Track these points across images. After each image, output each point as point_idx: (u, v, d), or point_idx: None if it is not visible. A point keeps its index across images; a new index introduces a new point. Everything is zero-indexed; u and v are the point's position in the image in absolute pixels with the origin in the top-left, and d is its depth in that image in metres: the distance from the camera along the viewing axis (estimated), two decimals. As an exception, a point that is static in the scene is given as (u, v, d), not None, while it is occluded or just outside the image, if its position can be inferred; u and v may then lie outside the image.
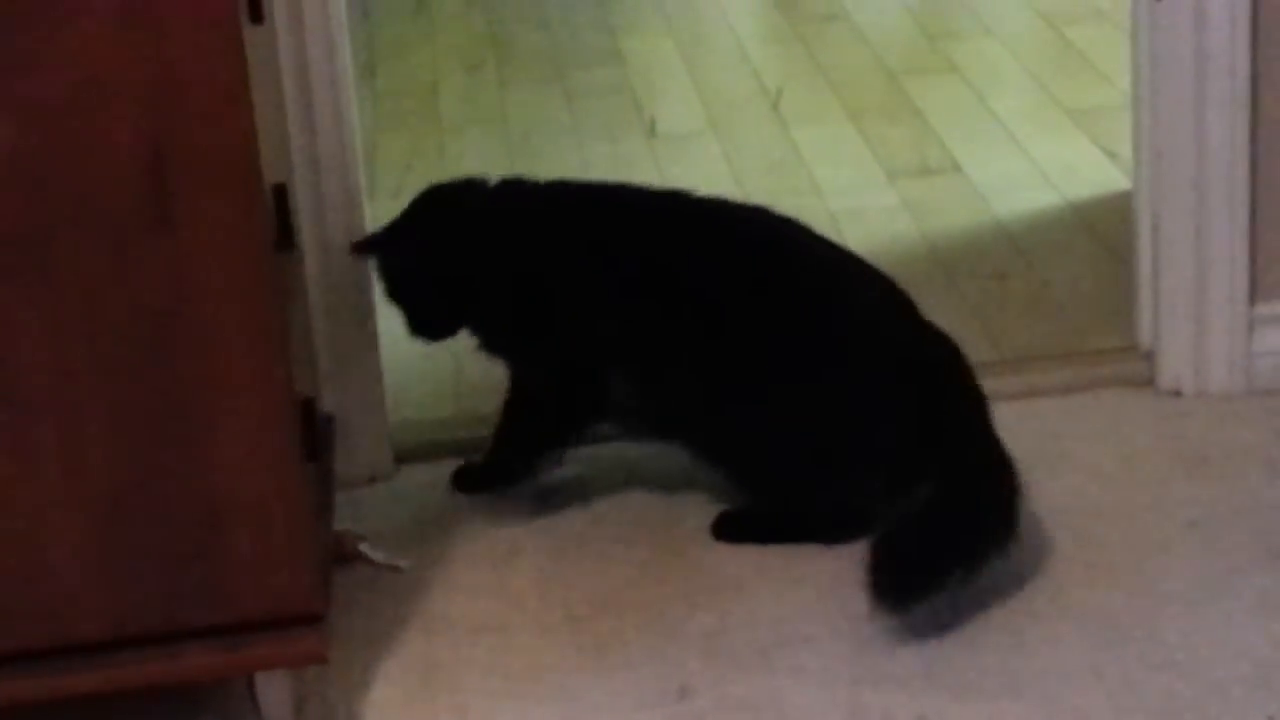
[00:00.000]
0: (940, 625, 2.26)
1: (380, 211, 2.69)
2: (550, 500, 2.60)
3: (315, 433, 2.36)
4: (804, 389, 2.41)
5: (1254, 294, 2.74)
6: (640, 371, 2.49)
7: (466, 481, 2.63)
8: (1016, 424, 2.68)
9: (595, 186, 2.61)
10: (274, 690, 2.13)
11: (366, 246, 2.55)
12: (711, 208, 2.54)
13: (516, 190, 2.57)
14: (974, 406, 2.43)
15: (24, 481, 2.01)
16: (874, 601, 2.24)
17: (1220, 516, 2.46)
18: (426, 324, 2.56)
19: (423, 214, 2.56)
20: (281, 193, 2.40)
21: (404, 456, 2.72)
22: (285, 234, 2.37)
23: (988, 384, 2.80)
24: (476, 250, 2.51)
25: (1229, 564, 2.36)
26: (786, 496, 2.47)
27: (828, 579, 2.38)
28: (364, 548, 2.46)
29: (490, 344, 2.57)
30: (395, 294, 2.55)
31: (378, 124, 4.01)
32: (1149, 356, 2.79)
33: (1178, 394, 2.76)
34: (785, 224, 2.52)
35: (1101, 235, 3.27)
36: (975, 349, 2.89)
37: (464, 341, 2.59)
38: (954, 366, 2.45)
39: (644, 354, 2.48)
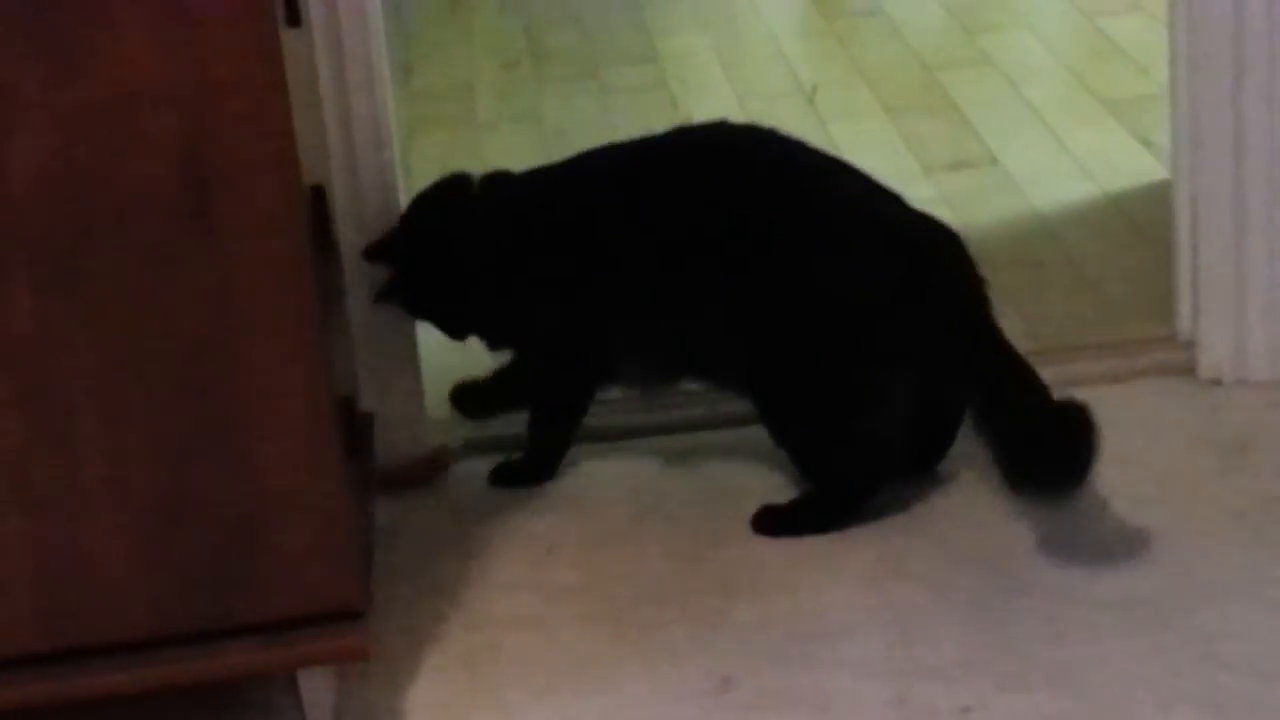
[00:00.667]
0: (982, 613, 2.26)
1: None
2: (588, 494, 2.60)
3: (355, 431, 2.37)
4: (808, 289, 2.41)
5: (1293, 282, 2.73)
6: (643, 320, 2.50)
7: (505, 477, 2.64)
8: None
9: (567, 162, 2.61)
10: (316, 687, 2.14)
11: (373, 253, 2.58)
12: (673, 142, 2.54)
13: (498, 181, 2.62)
14: (977, 293, 2.44)
15: (68, 482, 2.02)
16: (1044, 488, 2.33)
17: (1262, 505, 2.45)
18: (444, 320, 2.60)
19: (413, 215, 2.60)
20: (319, 194, 2.41)
21: (442, 454, 2.72)
22: (323, 235, 2.38)
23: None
24: (463, 241, 2.56)
25: (1272, 553, 2.35)
26: (809, 410, 2.45)
27: (869, 571, 2.37)
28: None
29: (494, 339, 2.61)
30: (409, 300, 2.59)
31: (414, 124, 4.02)
32: (1189, 345, 2.78)
33: (1218, 383, 2.75)
34: (753, 138, 2.53)
35: (1139, 225, 3.26)
36: (1014, 340, 2.89)
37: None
38: (954, 251, 2.46)
39: (643, 301, 2.49)
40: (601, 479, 2.63)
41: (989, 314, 2.45)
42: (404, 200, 2.66)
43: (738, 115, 3.97)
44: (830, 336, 2.42)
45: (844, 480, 2.48)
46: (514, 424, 2.70)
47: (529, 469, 2.63)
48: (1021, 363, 2.42)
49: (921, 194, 3.46)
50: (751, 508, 2.51)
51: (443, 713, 2.19)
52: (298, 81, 2.09)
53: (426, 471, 2.67)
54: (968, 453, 2.62)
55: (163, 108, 1.93)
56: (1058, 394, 2.72)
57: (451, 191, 2.62)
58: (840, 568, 2.39)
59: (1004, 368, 2.41)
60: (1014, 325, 2.92)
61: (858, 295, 2.41)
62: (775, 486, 2.56)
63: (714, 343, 2.47)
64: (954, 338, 2.41)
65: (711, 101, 4.09)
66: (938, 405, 2.50)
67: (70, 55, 1.91)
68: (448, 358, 2.79)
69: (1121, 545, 2.39)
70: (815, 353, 2.42)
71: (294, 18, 2.16)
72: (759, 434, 2.63)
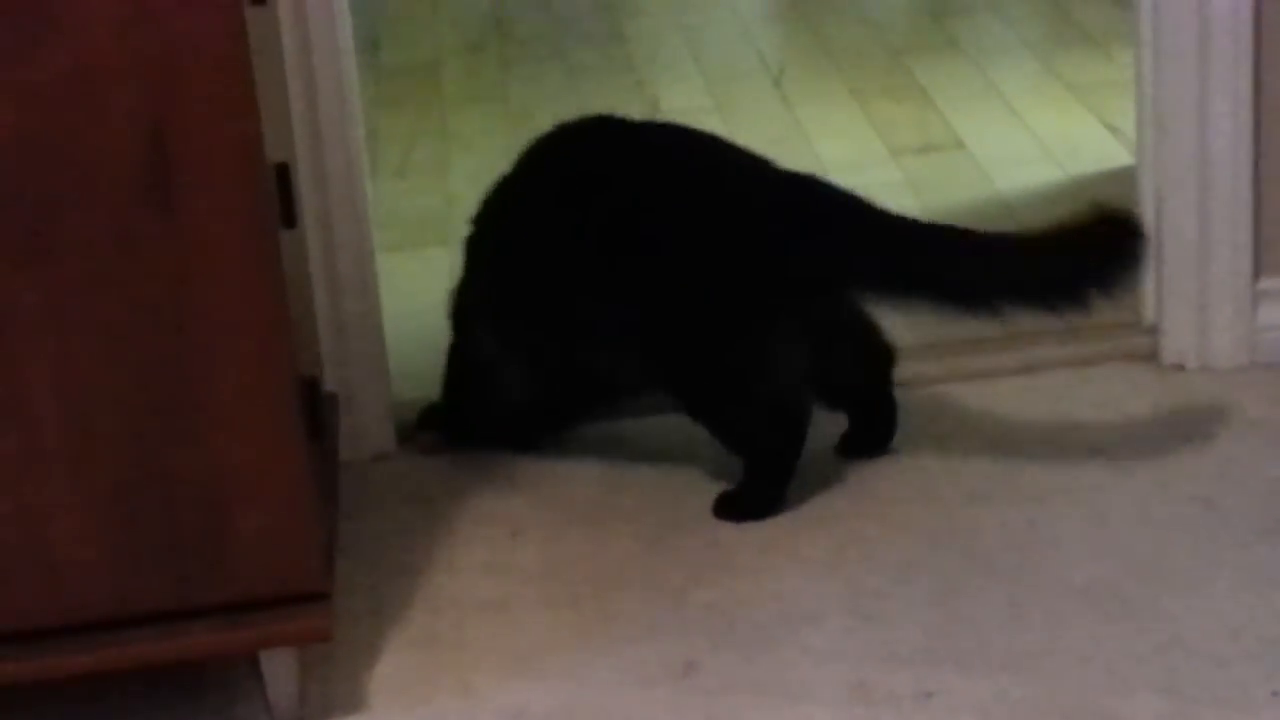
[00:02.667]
0: (944, 601, 2.27)
1: (382, 189, 2.70)
2: (554, 477, 2.60)
3: (318, 411, 2.36)
4: (675, 268, 2.43)
5: (1258, 268, 2.74)
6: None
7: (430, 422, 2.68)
8: (1019, 399, 2.70)
9: None
10: (279, 668, 2.13)
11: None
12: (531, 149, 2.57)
13: None
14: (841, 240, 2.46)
15: (27, 460, 2.01)
16: None
17: (1224, 491, 2.46)
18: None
19: None
20: (284, 171, 2.40)
21: (407, 435, 2.72)
22: (287, 212, 2.36)
23: (991, 359, 2.81)
24: None
25: (1233, 539, 2.36)
26: (708, 387, 2.48)
27: (832, 556, 2.38)
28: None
29: None
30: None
31: (380, 102, 4.01)
32: (1152, 331, 2.79)
33: (1181, 369, 2.76)
34: (596, 128, 2.55)
35: (1104, 211, 3.26)
36: (978, 324, 2.90)
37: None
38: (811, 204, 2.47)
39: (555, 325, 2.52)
40: (567, 462, 2.63)
41: (853, 259, 2.45)
42: (368, 179, 2.66)
43: (704, 97, 3.98)
44: (703, 309, 2.43)
45: (761, 448, 2.49)
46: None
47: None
48: (872, 326, 2.52)
49: (887, 177, 3.48)
50: (716, 492, 2.51)
51: (406, 695, 2.19)
52: (262, 58, 2.09)
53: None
54: (931, 438, 2.63)
55: (125, 83, 1.92)
56: (1022, 378, 2.75)
57: None
58: (803, 552, 2.39)
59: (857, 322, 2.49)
60: (979, 310, 2.94)
61: (716, 264, 2.42)
62: (741, 467, 2.56)
63: (610, 342, 2.48)
64: (817, 285, 2.43)
65: (678, 84, 4.09)
66: (842, 361, 2.52)
67: (32, 28, 1.90)
68: (413, 338, 2.78)
69: (1084, 530, 2.40)
70: (696, 328, 2.44)
71: (259, -6, 2.15)
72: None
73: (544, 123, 2.61)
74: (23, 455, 2.01)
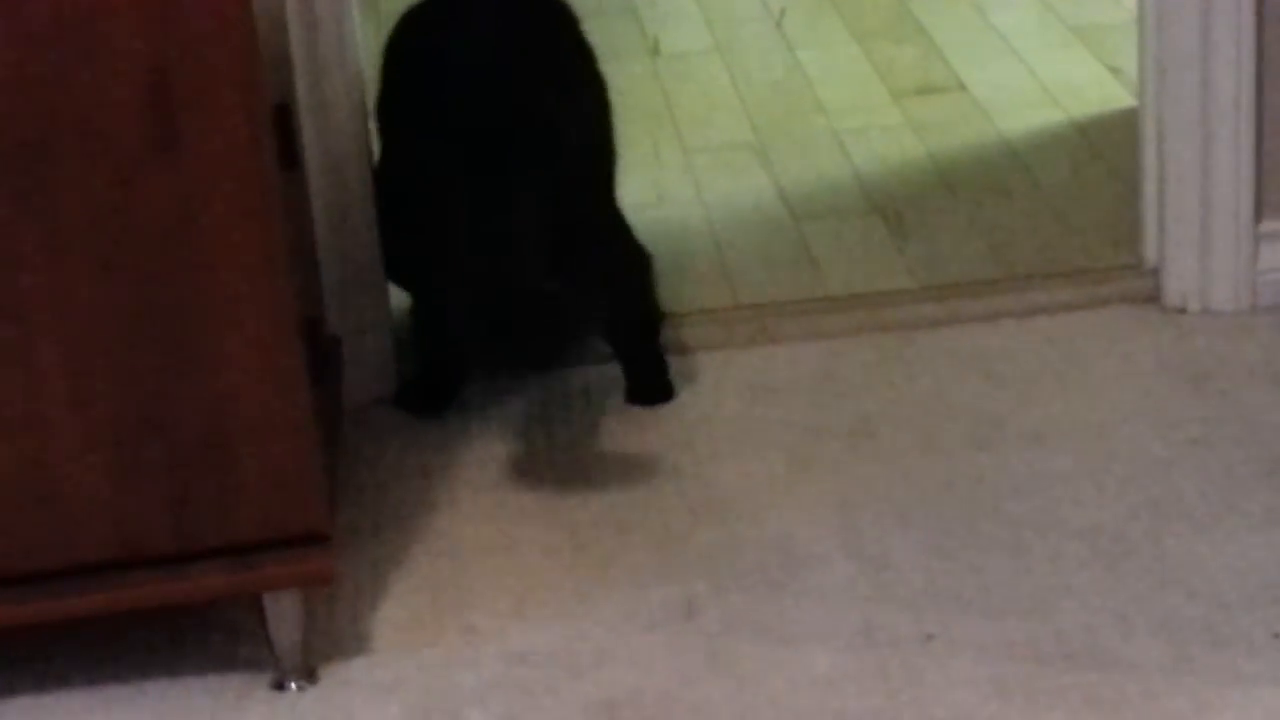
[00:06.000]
0: (944, 545, 2.27)
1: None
2: (551, 417, 2.60)
3: (320, 354, 2.36)
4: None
5: (1259, 211, 2.73)
6: None
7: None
8: (1020, 340, 2.70)
9: None
10: (282, 610, 2.13)
11: None
12: None
13: None
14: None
15: (29, 402, 2.01)
16: None
17: (1224, 434, 2.46)
18: None
19: None
20: (285, 112, 2.39)
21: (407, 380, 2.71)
22: (288, 154, 2.36)
23: (992, 301, 2.80)
24: None
25: (1233, 481, 2.36)
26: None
27: (835, 499, 2.38)
28: None
29: None
30: None
31: (380, 43, 3.99)
32: (1154, 273, 2.79)
33: (1182, 311, 2.76)
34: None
35: (1106, 153, 3.26)
36: (980, 266, 2.91)
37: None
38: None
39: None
40: (565, 406, 2.63)
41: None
42: (371, 119, 2.65)
43: (705, 38, 3.96)
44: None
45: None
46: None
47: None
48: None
49: (889, 119, 3.47)
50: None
51: (409, 636, 2.19)
52: (263, -1, 2.08)
53: None
54: (933, 380, 2.63)
55: (127, 22, 1.91)
56: (1024, 321, 2.74)
57: None
58: (805, 496, 2.39)
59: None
60: (980, 252, 2.94)
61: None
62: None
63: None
64: None
65: (679, 25, 4.07)
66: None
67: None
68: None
69: (1086, 474, 2.40)
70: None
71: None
72: (724, 359, 2.65)
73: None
74: (25, 398, 2.01)
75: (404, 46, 2.59)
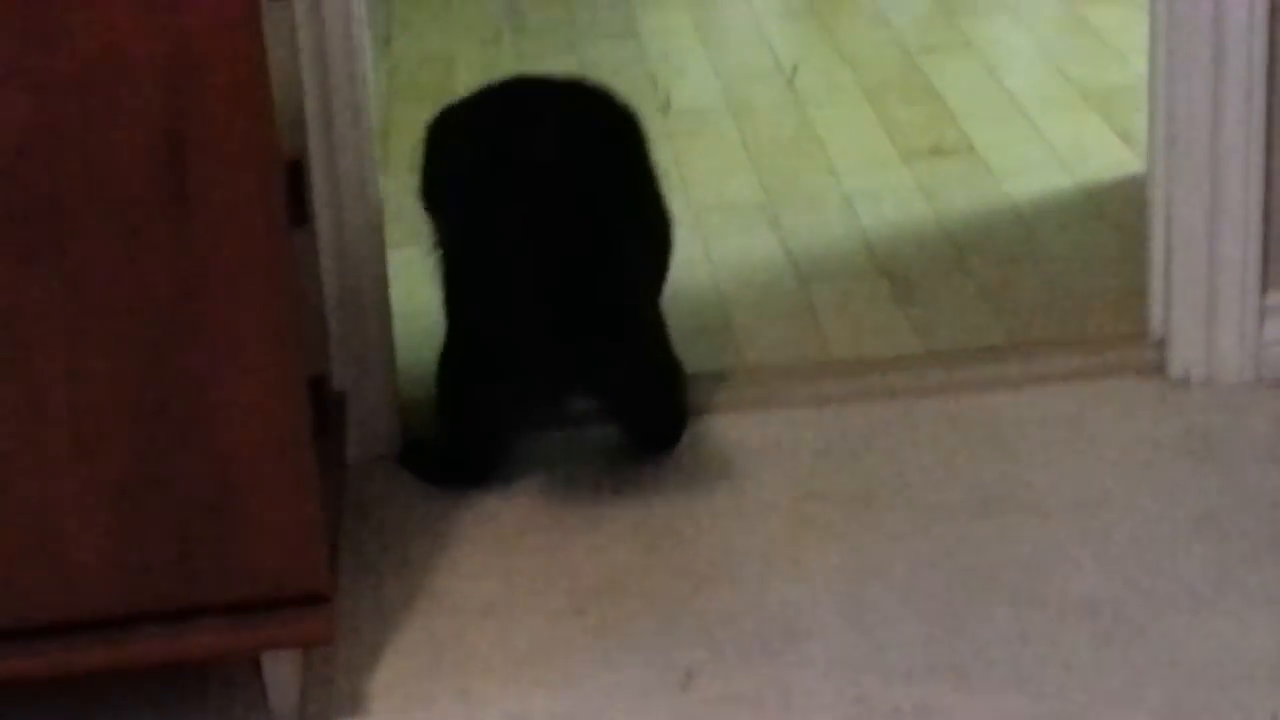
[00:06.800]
0: (945, 615, 2.27)
1: (395, 185, 2.69)
2: (556, 480, 2.60)
3: (326, 411, 2.37)
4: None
5: (1266, 283, 2.73)
6: None
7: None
8: (1024, 408, 2.70)
9: None
10: (280, 669, 2.14)
11: None
12: None
13: None
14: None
15: (35, 456, 2.01)
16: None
17: (1229, 508, 2.46)
18: None
19: None
20: (297, 169, 2.40)
21: (412, 436, 2.72)
22: (299, 209, 2.37)
23: (997, 369, 2.81)
24: None
25: (1237, 556, 2.36)
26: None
27: (835, 568, 2.38)
28: None
29: None
30: None
31: (393, 96, 4.00)
32: (1159, 344, 2.79)
33: (1187, 382, 2.76)
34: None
35: (1114, 219, 3.26)
36: (985, 332, 2.91)
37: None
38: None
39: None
40: (567, 467, 2.63)
41: None
42: (381, 174, 2.66)
43: (717, 95, 3.98)
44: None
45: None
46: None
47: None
48: None
49: (899, 181, 3.48)
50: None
51: (405, 699, 2.19)
52: (278, 54, 2.09)
53: None
54: (936, 448, 2.63)
55: (142, 78, 1.92)
56: (1028, 389, 2.74)
57: None
58: (808, 564, 2.39)
59: None
60: (985, 318, 2.94)
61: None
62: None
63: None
64: None
65: (691, 80, 4.08)
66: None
67: (49, 23, 1.90)
68: (423, 336, 2.78)
69: (1087, 547, 2.40)
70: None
71: (276, -9, 2.15)
72: (727, 422, 2.65)
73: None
74: (32, 452, 2.01)
75: (478, 141, 2.58)
